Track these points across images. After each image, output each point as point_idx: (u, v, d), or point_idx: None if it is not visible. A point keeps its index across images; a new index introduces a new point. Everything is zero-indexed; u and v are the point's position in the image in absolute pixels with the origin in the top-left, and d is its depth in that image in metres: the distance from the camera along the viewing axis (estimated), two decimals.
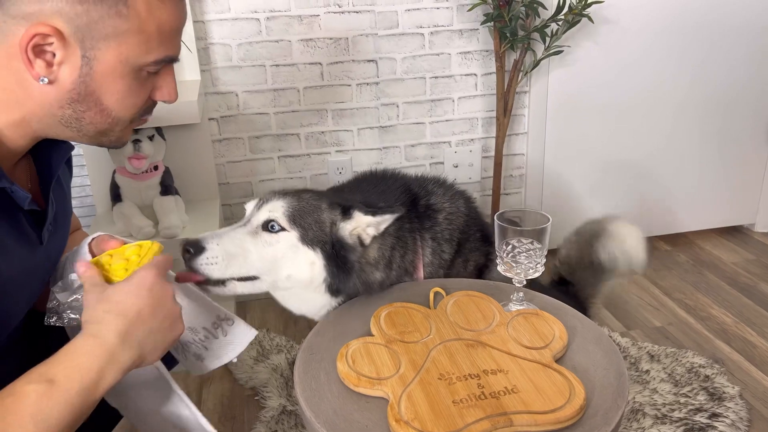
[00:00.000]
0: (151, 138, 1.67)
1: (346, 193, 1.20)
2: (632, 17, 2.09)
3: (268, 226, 1.03)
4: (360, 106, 2.07)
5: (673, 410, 1.55)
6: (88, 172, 1.86)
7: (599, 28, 2.06)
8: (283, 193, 1.08)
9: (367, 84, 2.05)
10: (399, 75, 2.07)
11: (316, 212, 1.06)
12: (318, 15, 1.94)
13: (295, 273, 1.04)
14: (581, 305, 1.55)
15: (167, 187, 1.74)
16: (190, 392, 1.77)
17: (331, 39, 1.97)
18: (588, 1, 1.86)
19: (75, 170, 1.88)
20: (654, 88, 2.22)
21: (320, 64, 2.00)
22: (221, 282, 1.00)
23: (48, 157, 0.87)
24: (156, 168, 1.72)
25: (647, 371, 1.70)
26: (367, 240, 1.07)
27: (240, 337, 0.97)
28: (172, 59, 0.83)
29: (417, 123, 2.14)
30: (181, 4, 0.82)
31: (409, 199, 1.18)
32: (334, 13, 1.94)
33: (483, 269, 1.26)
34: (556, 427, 0.77)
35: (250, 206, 1.10)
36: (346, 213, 1.07)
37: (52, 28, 0.71)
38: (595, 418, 0.79)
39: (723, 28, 2.18)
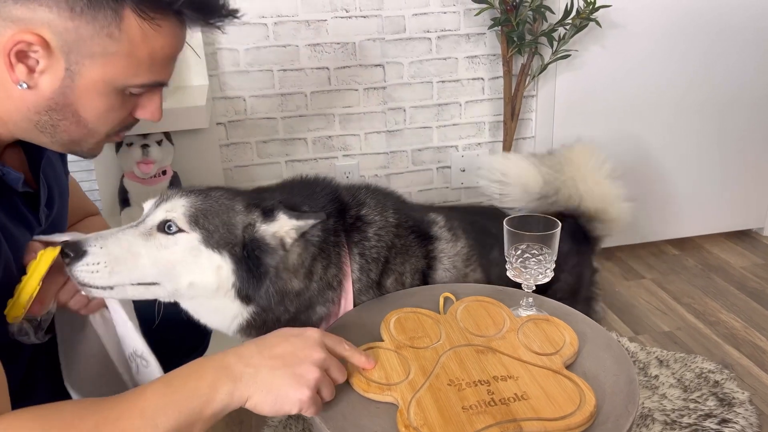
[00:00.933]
0: (159, 143, 1.68)
1: (270, 193, 1.06)
2: (639, 21, 2.09)
3: (164, 227, 0.90)
4: (367, 111, 2.08)
5: (683, 416, 1.54)
6: (96, 177, 1.87)
7: (607, 33, 2.06)
8: (188, 191, 0.95)
9: (374, 88, 2.06)
10: (406, 79, 2.07)
11: (226, 213, 0.94)
12: (325, 20, 1.94)
13: (199, 279, 0.91)
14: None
15: None
16: None
17: (338, 44, 1.97)
18: (596, 6, 1.86)
19: (83, 175, 1.90)
20: (662, 92, 2.22)
21: (327, 68, 2.00)
22: (108, 287, 0.87)
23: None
24: (164, 173, 1.73)
25: (656, 376, 1.70)
26: (288, 243, 0.96)
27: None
28: (161, 84, 0.82)
29: (424, 127, 2.15)
30: (179, 32, 0.79)
31: (337, 208, 1.07)
32: (342, 17, 1.95)
33: (426, 273, 1.15)
34: None
35: (147, 205, 0.95)
36: (269, 215, 0.96)
37: (39, 38, 0.70)
38: (605, 425, 0.79)
39: (731, 31, 2.18)
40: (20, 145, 0.87)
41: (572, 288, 1.38)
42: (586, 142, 1.46)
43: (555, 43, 1.94)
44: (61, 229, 0.95)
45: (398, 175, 2.18)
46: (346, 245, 1.04)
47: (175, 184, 1.76)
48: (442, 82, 2.10)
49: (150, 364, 0.88)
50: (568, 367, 0.89)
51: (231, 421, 1.65)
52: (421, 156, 2.18)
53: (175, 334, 1.12)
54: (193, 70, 1.84)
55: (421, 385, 0.84)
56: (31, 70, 0.72)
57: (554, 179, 1.39)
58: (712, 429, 1.50)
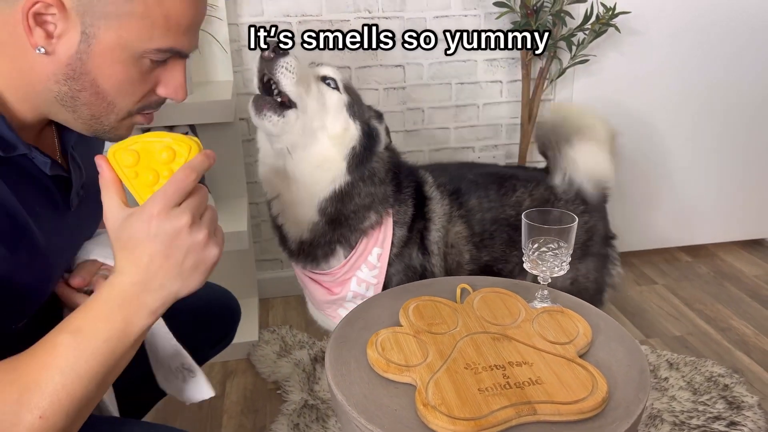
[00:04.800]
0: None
1: None
2: (659, 28, 2.11)
3: (325, 80, 1.16)
4: (386, 110, 2.10)
5: (692, 417, 1.56)
6: None
7: (625, 39, 2.09)
8: (324, 63, 1.22)
9: (394, 89, 2.09)
10: (425, 80, 2.11)
11: (360, 98, 1.23)
12: (348, 20, 1.98)
13: (331, 126, 1.15)
14: None
15: None
16: (214, 384, 1.80)
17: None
18: (615, 12, 1.89)
19: None
20: (678, 100, 2.24)
21: (349, 68, 2.04)
22: (288, 93, 1.09)
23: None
24: None
25: (666, 379, 1.71)
26: (387, 143, 1.25)
27: (196, 391, 0.95)
28: (180, 53, 0.79)
29: (442, 128, 2.18)
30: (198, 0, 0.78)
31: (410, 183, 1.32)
32: (364, 18, 1.99)
33: (423, 235, 1.32)
34: (578, 418, 0.79)
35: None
36: (380, 117, 1.27)
37: None
38: (617, 411, 0.81)
39: (748, 40, 2.20)
40: (55, 129, 0.90)
41: (584, 243, 1.45)
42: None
43: (574, 48, 1.97)
44: (97, 217, 0.98)
45: None
46: (396, 201, 1.27)
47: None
48: (461, 83, 2.13)
49: (196, 375, 0.94)
50: (582, 356, 0.92)
51: (246, 409, 1.69)
52: (438, 156, 2.21)
53: (202, 327, 1.15)
54: (219, 65, 1.89)
55: (438, 367, 0.87)
56: (48, 35, 0.72)
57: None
58: (720, 431, 1.51)
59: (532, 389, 0.83)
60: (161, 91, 0.81)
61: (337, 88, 1.17)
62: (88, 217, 0.93)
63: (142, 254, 0.70)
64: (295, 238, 1.22)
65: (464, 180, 1.39)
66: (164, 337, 0.93)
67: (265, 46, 1.08)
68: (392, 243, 1.23)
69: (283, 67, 1.07)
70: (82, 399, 0.68)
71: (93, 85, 0.76)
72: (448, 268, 1.33)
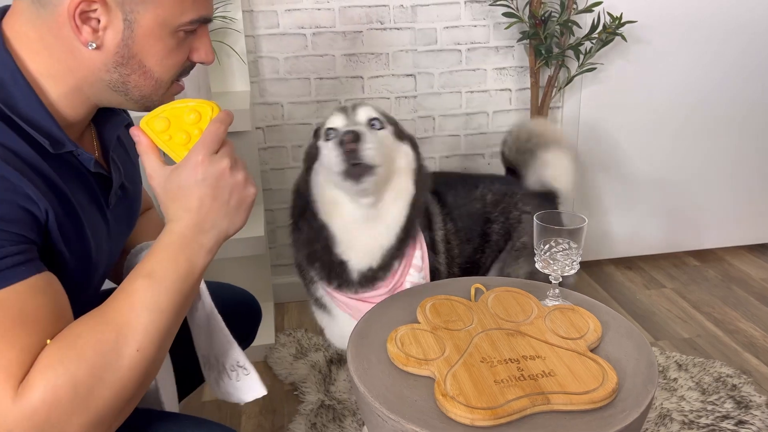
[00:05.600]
0: None
1: None
2: (664, 36, 2.16)
3: (370, 124, 1.18)
4: (398, 118, 2.14)
5: (700, 416, 1.59)
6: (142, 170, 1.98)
7: (632, 47, 2.13)
8: (354, 105, 1.22)
9: (406, 97, 2.15)
10: (436, 89, 2.16)
11: (387, 114, 1.26)
12: (361, 31, 2.04)
13: (397, 162, 1.20)
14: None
15: None
16: None
17: (372, 54, 2.07)
18: (621, 21, 1.94)
19: None
20: (685, 106, 2.28)
21: (361, 77, 2.10)
22: (371, 168, 1.11)
23: (104, 126, 0.95)
24: None
25: (675, 379, 1.75)
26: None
27: (249, 389, 0.99)
28: (206, 19, 0.88)
29: (452, 135, 2.23)
30: None
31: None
32: (377, 29, 2.05)
33: (432, 234, 1.39)
34: (589, 407, 0.83)
35: (338, 119, 1.19)
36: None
37: None
38: (626, 401, 0.85)
39: (753, 46, 2.24)
40: (95, 133, 0.96)
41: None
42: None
43: (581, 57, 2.01)
44: (133, 218, 1.04)
45: None
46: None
47: None
48: (471, 92, 2.18)
49: (250, 372, 0.99)
50: (592, 351, 0.96)
51: (264, 410, 1.73)
52: (448, 163, 2.26)
53: (228, 326, 1.20)
54: (236, 76, 1.95)
55: (456, 361, 0.91)
56: (94, 30, 0.79)
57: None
58: (728, 429, 1.55)
59: (545, 381, 0.87)
60: (195, 57, 0.89)
61: (382, 126, 1.20)
62: (123, 216, 0.99)
63: (192, 199, 0.79)
64: (362, 268, 1.21)
65: (435, 182, 1.46)
66: (223, 332, 0.99)
67: (344, 137, 1.10)
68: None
69: (368, 149, 1.09)
70: (166, 331, 0.77)
71: (140, 66, 0.83)
72: (447, 265, 1.41)
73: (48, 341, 0.70)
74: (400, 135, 1.23)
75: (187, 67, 0.90)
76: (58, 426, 0.67)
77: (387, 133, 1.20)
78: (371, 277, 1.21)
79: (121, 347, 0.72)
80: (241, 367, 0.99)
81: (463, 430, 0.80)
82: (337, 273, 1.22)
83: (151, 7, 0.80)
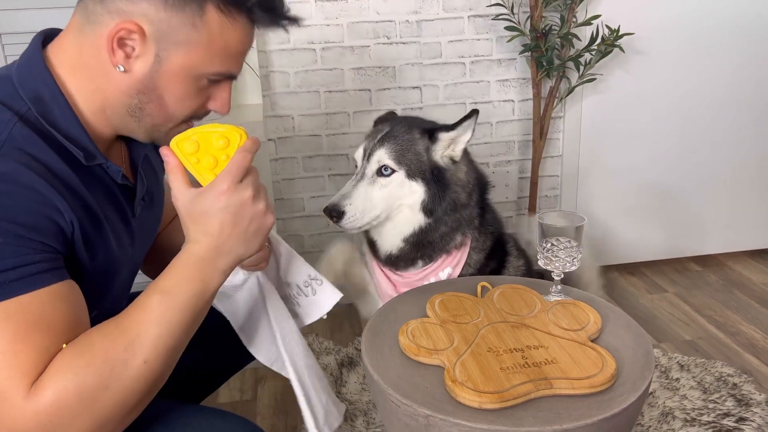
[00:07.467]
0: None
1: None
2: (661, 47, 2.23)
3: (380, 172, 1.31)
4: None
5: (702, 414, 1.64)
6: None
7: (630, 58, 2.20)
8: (382, 139, 1.33)
9: (412, 109, 2.22)
10: (441, 101, 2.23)
11: (412, 145, 1.33)
12: (368, 46, 2.12)
13: (405, 201, 1.32)
14: None
15: None
16: (246, 389, 1.92)
17: (379, 68, 2.15)
18: (619, 33, 2.01)
19: None
20: (683, 114, 2.34)
21: (369, 90, 2.17)
22: (361, 226, 1.32)
23: (134, 142, 0.99)
24: None
25: (677, 379, 1.79)
26: (458, 156, 1.37)
27: (326, 298, 1.10)
28: (232, 76, 0.94)
29: None
30: (249, 30, 0.92)
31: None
32: (384, 44, 2.12)
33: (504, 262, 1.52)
34: (590, 391, 0.89)
35: (358, 157, 1.37)
36: (432, 137, 1.35)
37: (138, 26, 0.83)
38: (625, 386, 0.91)
39: (749, 54, 2.31)
40: (125, 148, 1.02)
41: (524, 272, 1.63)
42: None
43: (581, 68, 2.08)
44: (155, 227, 1.11)
45: None
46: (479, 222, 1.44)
47: None
48: (475, 103, 2.25)
49: (324, 282, 1.10)
50: (593, 341, 1.02)
51: (277, 410, 1.78)
52: None
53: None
54: (249, 90, 2.03)
55: (464, 351, 0.97)
56: (127, 56, 0.85)
57: None
58: (729, 426, 1.59)
59: (548, 368, 0.93)
60: (211, 105, 0.95)
61: (393, 170, 1.31)
62: (146, 225, 1.05)
63: (213, 224, 0.83)
64: (385, 252, 1.41)
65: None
66: (296, 256, 1.10)
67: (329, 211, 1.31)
68: (468, 264, 1.39)
69: (347, 224, 1.31)
70: (174, 347, 0.80)
71: (159, 98, 0.88)
72: None
73: (64, 345, 0.75)
74: (413, 173, 1.32)
75: (201, 113, 0.95)
76: (61, 427, 0.72)
77: (396, 177, 1.31)
78: (393, 262, 1.41)
79: (129, 358, 0.76)
80: (314, 279, 1.09)
81: (472, 412, 0.86)
82: (371, 246, 1.46)
83: (184, 51, 0.86)
